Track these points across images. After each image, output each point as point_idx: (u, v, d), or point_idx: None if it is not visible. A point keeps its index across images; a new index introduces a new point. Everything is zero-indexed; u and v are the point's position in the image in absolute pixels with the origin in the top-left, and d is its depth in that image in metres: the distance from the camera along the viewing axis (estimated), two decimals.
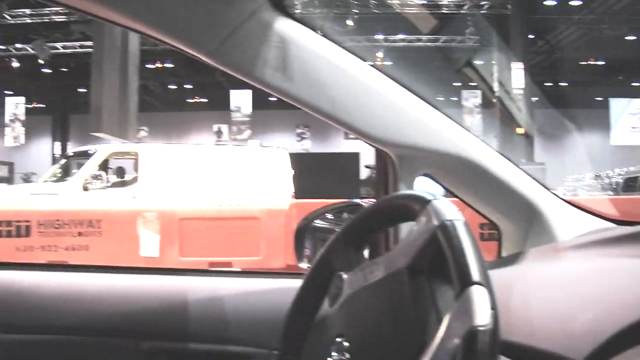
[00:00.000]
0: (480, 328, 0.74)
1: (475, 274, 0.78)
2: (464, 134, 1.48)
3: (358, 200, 1.71)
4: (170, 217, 7.69)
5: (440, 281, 0.89)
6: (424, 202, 0.92)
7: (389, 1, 19.30)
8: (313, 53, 1.35)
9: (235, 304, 1.25)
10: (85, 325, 1.57)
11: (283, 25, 1.33)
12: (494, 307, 0.76)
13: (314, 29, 1.37)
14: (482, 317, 0.75)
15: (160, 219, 7.53)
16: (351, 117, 1.38)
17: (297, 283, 1.55)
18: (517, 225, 1.52)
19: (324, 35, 1.39)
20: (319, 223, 1.71)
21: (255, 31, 1.31)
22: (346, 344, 1.01)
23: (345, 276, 1.08)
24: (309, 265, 1.60)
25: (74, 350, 1.55)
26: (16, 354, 1.37)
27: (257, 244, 7.53)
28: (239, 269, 7.73)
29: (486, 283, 0.78)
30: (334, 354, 1.03)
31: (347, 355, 1.00)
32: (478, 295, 0.77)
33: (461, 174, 1.46)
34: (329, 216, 1.73)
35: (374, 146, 1.47)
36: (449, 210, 0.88)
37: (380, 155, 1.53)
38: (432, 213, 0.89)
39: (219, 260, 7.29)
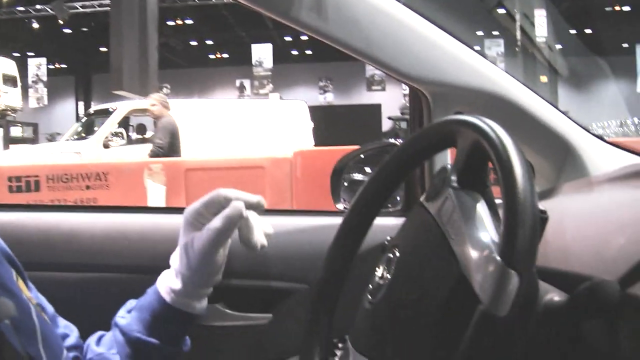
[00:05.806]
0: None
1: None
2: (497, 71, 1.46)
3: (393, 140, 1.68)
4: (176, 168, 7.67)
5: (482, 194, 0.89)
6: (460, 122, 0.90)
7: None
8: None
9: (275, 241, 1.26)
10: (114, 262, 1.56)
11: None
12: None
13: None
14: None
15: (166, 170, 7.51)
16: (385, 55, 1.38)
17: (330, 221, 1.58)
18: (550, 162, 1.49)
19: None
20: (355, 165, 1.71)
21: None
22: (396, 253, 1.00)
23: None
24: (346, 206, 1.61)
25: (107, 286, 1.53)
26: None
27: (263, 193, 7.55)
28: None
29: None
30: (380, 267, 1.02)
31: (393, 268, 0.98)
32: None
33: (495, 111, 1.42)
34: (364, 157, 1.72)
35: (408, 84, 1.48)
36: (489, 122, 0.84)
37: (415, 94, 1.54)
38: (471, 128, 0.86)
39: None
